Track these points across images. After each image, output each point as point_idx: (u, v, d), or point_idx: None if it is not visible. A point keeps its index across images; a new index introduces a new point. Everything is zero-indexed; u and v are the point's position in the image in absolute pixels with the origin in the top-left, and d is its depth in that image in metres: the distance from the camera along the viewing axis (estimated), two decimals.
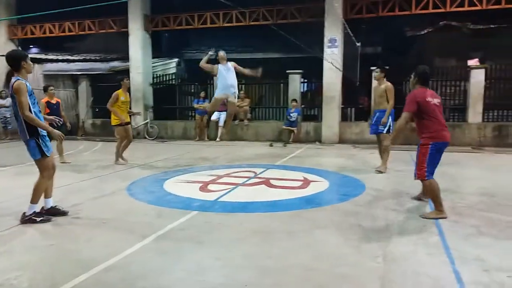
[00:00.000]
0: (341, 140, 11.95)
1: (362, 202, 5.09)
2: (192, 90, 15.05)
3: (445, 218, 4.32)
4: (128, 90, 8.64)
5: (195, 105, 13.17)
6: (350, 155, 9.62)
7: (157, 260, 3.25)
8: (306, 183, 6.28)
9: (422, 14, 11.33)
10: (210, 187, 5.99)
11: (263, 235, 3.84)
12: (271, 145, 11.47)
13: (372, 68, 11.42)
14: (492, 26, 11.15)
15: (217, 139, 12.70)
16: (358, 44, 11.27)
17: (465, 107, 11.16)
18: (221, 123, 12.63)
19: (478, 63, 11.19)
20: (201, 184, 6.11)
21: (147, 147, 11.65)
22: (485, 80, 10.83)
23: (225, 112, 12.40)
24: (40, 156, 4.21)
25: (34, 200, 4.27)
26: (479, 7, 10.63)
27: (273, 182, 6.33)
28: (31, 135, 4.16)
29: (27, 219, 4.19)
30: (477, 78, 10.78)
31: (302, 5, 12.40)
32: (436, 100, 4.48)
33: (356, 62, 11.26)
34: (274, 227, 4.09)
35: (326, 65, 11.71)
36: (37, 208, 4.32)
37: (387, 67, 7.21)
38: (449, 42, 11.81)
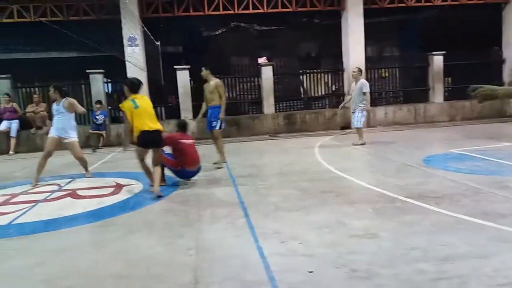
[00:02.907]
0: None
1: (176, 199, 5.19)
2: None
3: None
4: None
5: None
6: None
7: None
8: (118, 188, 6.01)
9: (215, 15, 12.15)
10: (2, 209, 5.11)
11: (68, 253, 3.50)
12: None
13: (176, 66, 11.72)
14: (273, 27, 12.80)
15: (10, 152, 10.95)
16: (158, 43, 11.31)
17: (260, 100, 12.54)
18: (13, 134, 10.98)
19: (266, 61, 12.68)
20: None
21: None
22: (273, 75, 12.38)
23: (16, 121, 10.99)
24: None
25: None
26: (261, 10, 12.07)
27: (80, 192, 5.83)
28: None
29: None
30: (267, 74, 12.24)
31: (94, 2, 11.68)
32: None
33: (158, 61, 11.30)
34: (82, 242, 3.79)
35: (129, 64, 11.37)
36: None
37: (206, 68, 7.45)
38: (240, 42, 13.03)
